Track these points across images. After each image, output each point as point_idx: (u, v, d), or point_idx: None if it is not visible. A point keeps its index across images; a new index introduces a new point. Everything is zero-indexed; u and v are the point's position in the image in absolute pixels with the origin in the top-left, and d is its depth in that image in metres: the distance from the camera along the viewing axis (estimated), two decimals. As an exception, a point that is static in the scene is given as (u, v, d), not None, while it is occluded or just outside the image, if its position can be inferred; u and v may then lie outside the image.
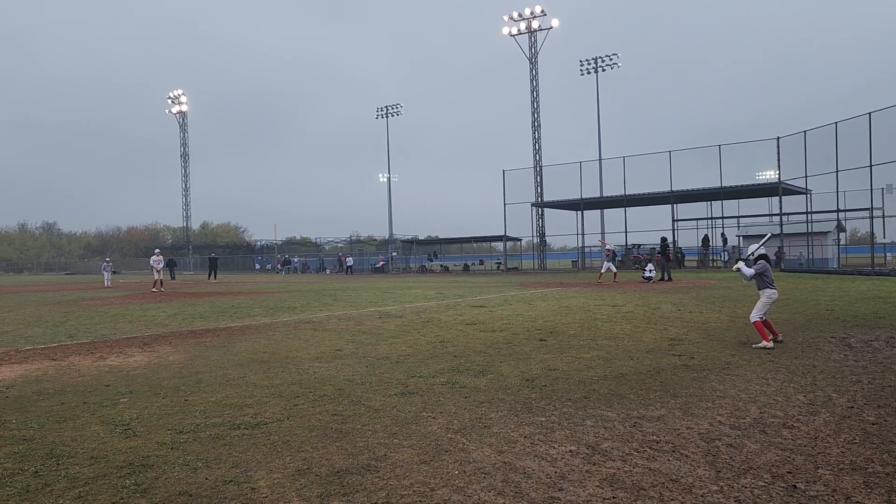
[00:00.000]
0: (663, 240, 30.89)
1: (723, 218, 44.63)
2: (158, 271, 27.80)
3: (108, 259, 38.67)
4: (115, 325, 13.95)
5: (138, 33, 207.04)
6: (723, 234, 45.18)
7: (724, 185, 41.46)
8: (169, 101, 75.82)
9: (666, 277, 27.95)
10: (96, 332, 12.69)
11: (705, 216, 46.01)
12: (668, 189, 43.32)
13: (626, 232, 47.10)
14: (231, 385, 7.22)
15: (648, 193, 44.89)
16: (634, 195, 45.57)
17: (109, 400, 6.57)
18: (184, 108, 75.34)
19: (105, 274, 34.80)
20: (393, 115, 71.90)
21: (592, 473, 4.19)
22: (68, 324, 14.55)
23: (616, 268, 29.15)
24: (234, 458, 4.56)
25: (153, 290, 27.32)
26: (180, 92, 75.09)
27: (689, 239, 48.00)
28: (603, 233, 53.45)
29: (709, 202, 45.57)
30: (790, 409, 5.75)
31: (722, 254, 43.09)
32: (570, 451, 4.66)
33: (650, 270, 27.95)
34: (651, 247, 41.75)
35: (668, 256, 29.44)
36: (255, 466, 4.39)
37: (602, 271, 28.37)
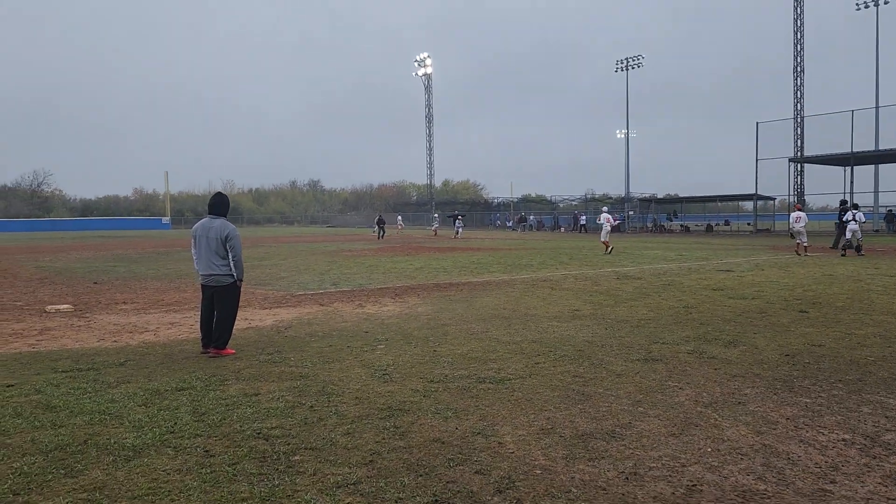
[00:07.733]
0: (843, 203, 24.05)
1: None
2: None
3: (440, 214, 47.22)
4: (371, 276, 15.26)
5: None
6: None
7: None
8: (416, 63, 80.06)
9: (841, 246, 22.00)
10: (354, 282, 13.99)
11: None
12: (969, 139, 36.47)
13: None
14: (475, 339, 7.52)
15: (940, 145, 38.19)
16: (922, 147, 39.03)
17: (368, 345, 7.20)
18: (429, 70, 79.09)
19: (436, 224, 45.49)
20: (634, 68, 68.78)
21: (872, 468, 3.69)
22: (332, 272, 16.23)
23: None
24: (480, 411, 4.74)
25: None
26: (426, 55, 78.89)
27: None
28: (876, 192, 46.60)
29: None
30: None
31: None
32: (844, 439, 4.15)
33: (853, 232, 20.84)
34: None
35: (842, 225, 22.38)
36: (501, 421, 4.52)
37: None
